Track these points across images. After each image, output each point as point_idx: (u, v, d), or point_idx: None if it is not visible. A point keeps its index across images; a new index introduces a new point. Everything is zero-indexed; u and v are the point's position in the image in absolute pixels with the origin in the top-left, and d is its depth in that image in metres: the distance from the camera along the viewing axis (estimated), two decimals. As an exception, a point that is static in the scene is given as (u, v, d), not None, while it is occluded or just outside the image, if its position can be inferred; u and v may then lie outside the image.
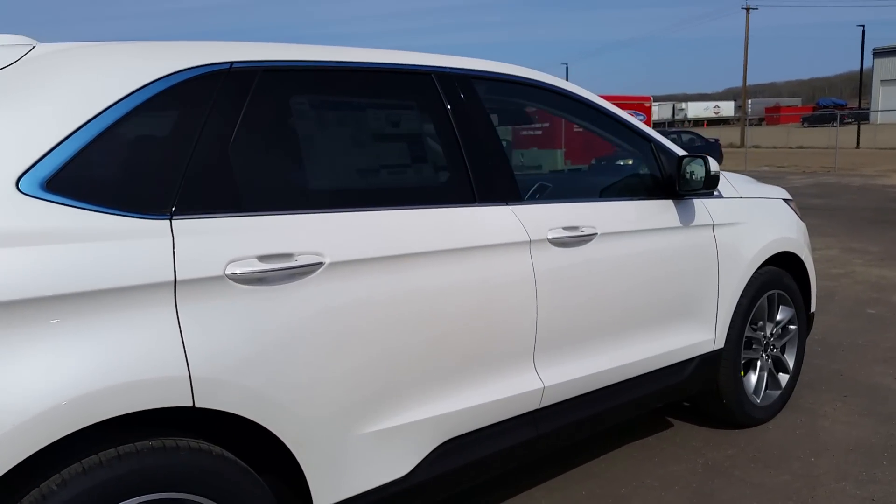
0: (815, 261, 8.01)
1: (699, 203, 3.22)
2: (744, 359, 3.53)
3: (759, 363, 3.62)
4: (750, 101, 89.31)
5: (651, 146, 3.16)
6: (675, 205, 3.11)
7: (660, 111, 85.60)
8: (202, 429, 1.94)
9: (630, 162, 3.35)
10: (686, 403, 3.90)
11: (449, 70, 2.53)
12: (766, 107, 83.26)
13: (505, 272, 2.44)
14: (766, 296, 3.54)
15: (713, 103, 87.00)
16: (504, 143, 2.70)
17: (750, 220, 3.44)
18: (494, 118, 3.25)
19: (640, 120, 18.81)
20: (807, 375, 4.35)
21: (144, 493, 1.73)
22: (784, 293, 3.67)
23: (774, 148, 40.56)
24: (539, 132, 23.79)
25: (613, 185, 3.32)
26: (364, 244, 2.10)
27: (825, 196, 15.10)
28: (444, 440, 2.35)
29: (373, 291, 2.11)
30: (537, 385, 2.57)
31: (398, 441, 2.22)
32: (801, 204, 13.47)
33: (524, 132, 24.35)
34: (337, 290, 2.03)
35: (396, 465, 2.23)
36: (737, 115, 50.57)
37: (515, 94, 2.92)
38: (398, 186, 2.34)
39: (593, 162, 3.99)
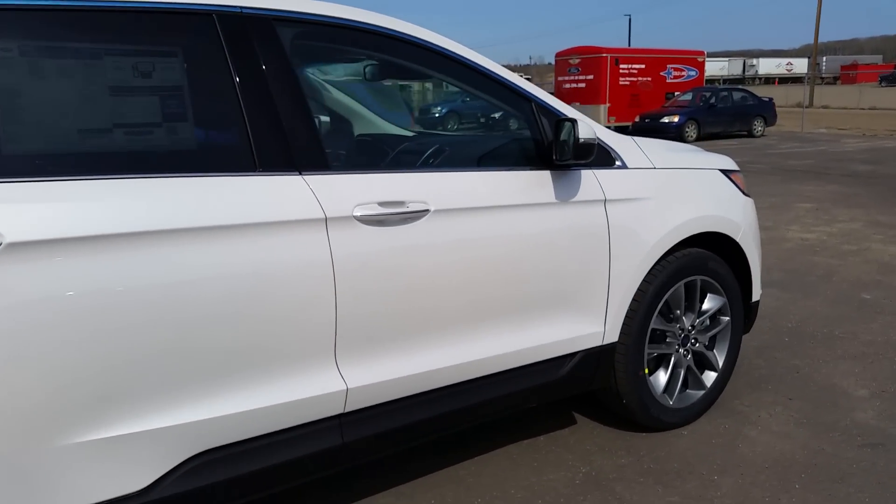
0: (831, 234, 7.37)
1: (588, 175, 2.73)
2: (652, 354, 3.07)
3: (673, 359, 3.15)
4: (824, 59, 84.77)
5: (531, 106, 2.67)
6: (553, 177, 2.63)
7: (729, 67, 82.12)
8: None
9: (508, 125, 2.87)
10: (602, 398, 3.46)
11: (237, 10, 2.11)
12: (842, 65, 78.78)
13: (287, 256, 2.04)
14: (683, 283, 3.05)
15: (786, 60, 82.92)
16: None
17: (661, 195, 2.93)
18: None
19: (693, 76, 17.96)
20: (759, 370, 3.85)
21: None
22: (711, 280, 3.16)
23: (844, 109, 38.29)
24: (582, 85, 22.91)
25: (486, 153, 2.85)
26: (53, 221, 1.72)
27: (874, 162, 14.00)
28: (201, 450, 2.00)
29: (73, 279, 1.73)
30: (339, 387, 2.19)
31: (127, 452, 1.88)
32: (844, 169, 12.55)
33: (567, 85, 23.49)
34: (17, 276, 1.68)
35: (125, 479, 1.89)
36: (810, 72, 47.89)
37: (345, 42, 2.46)
38: (132, 151, 1.94)
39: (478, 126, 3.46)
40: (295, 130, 2.11)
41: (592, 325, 2.80)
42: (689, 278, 3.07)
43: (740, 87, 26.05)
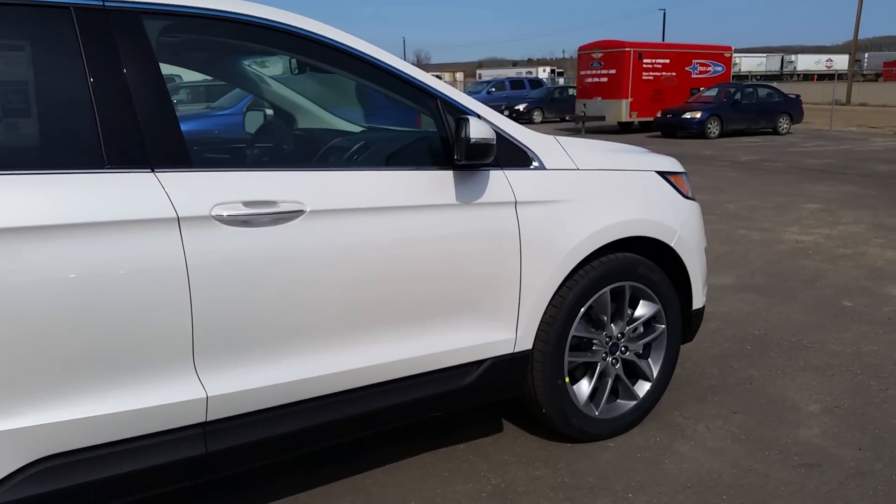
0: (830, 236, 7.09)
1: (498, 176, 2.60)
2: (575, 362, 2.93)
3: (599, 368, 3.01)
4: (867, 55, 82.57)
5: (437, 103, 2.55)
6: (456, 178, 2.51)
7: (767, 63, 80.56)
8: None
9: (420, 124, 2.75)
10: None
11: (99, 4, 2.02)
12: (884, 61, 76.59)
13: (135, 257, 1.94)
14: (609, 288, 2.90)
15: (825, 56, 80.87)
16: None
17: (582, 197, 2.79)
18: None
19: (719, 72, 17.53)
20: (709, 380, 3.68)
21: None
22: (642, 286, 3.01)
23: (884, 106, 37.26)
24: (605, 79, 22.57)
25: (389, 151, 2.73)
26: None
27: (897, 162, 13.54)
28: (44, 455, 1.94)
29: None
30: (198, 394, 2.10)
31: (-43, 456, 1.82)
32: (863, 169, 12.16)
33: (589, 79, 23.16)
34: None
35: None
36: (852, 69, 46.70)
37: (226, 35, 2.37)
38: None
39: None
40: (152, 127, 2.02)
41: (502, 331, 2.67)
42: (616, 284, 2.92)
43: (766, 83, 25.40)
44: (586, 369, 3.01)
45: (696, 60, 23.06)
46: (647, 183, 3.04)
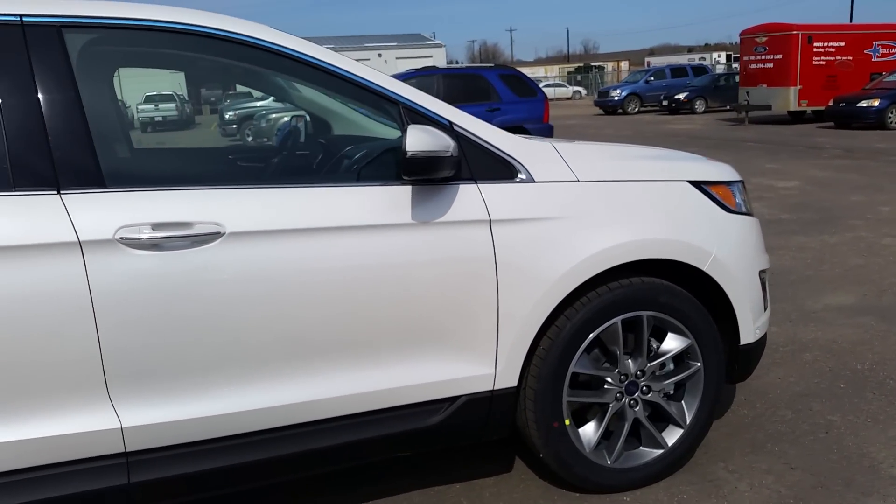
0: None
1: (469, 191, 2.30)
2: (578, 403, 2.56)
3: (611, 409, 2.61)
4: None
5: (399, 110, 2.29)
6: (414, 193, 2.24)
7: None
8: None
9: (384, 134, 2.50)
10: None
11: (15, 19, 1.97)
12: None
13: (37, 282, 1.88)
14: (619, 319, 2.50)
15: None
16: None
17: (581, 213, 2.41)
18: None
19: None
20: (777, 424, 3.13)
21: None
22: (666, 317, 2.58)
23: None
24: (770, 65, 20.85)
25: (341, 166, 2.51)
26: None
27: None
28: None
29: None
30: (112, 424, 2.00)
31: None
32: None
33: (753, 65, 21.48)
34: None
35: None
36: None
37: (159, 46, 2.24)
38: None
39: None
40: (62, 147, 1.95)
41: (478, 365, 2.37)
42: (630, 314, 2.52)
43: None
44: (598, 410, 2.63)
45: (878, 42, 20.65)
46: (672, 195, 2.60)
